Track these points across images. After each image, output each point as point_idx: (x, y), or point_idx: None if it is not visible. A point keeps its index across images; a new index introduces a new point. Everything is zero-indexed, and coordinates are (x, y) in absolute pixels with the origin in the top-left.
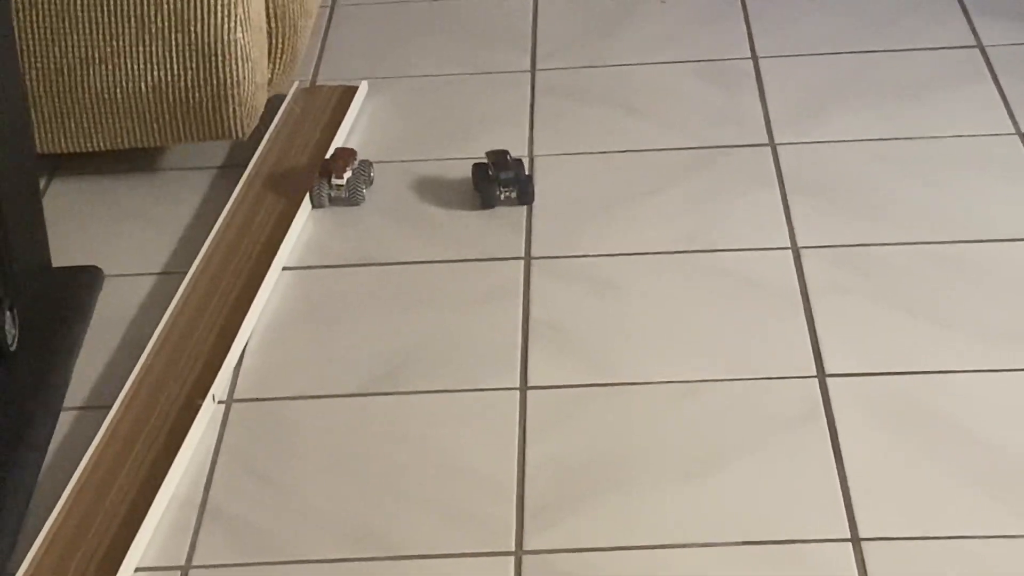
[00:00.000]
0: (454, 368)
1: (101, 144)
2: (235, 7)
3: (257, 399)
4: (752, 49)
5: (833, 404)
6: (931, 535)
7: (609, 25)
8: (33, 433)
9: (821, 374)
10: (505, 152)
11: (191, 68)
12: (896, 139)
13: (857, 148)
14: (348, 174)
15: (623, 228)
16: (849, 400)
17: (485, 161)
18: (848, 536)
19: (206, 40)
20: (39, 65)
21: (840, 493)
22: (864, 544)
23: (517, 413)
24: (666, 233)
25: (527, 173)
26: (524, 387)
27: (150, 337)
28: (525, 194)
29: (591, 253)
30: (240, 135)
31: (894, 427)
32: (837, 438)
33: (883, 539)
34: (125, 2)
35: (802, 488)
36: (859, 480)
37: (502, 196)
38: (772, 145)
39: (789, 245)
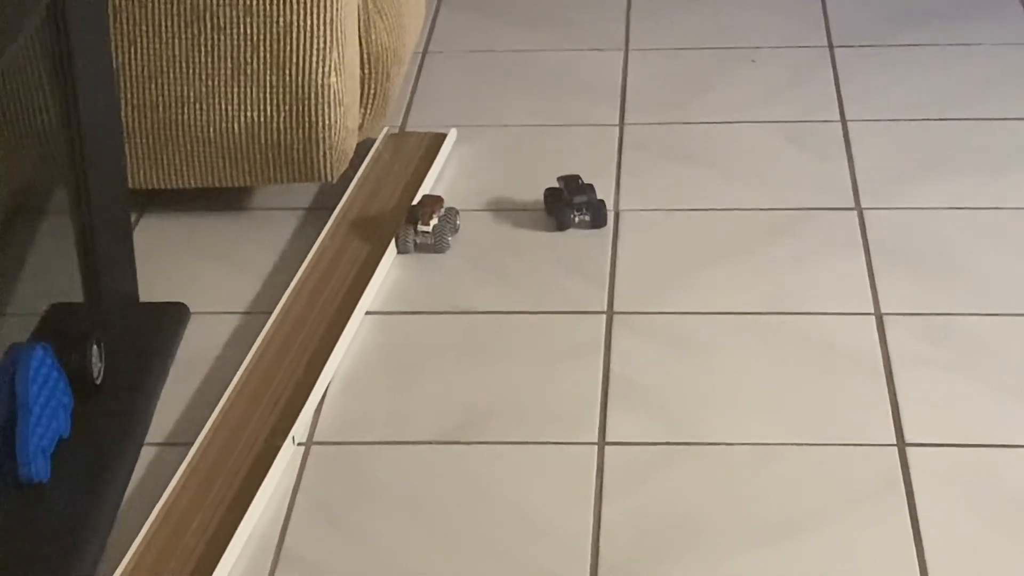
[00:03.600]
0: (532, 420)
1: (192, 182)
2: (330, 52)
3: (336, 443)
4: (841, 112)
5: (912, 475)
6: None
7: (699, 82)
8: (115, 467)
9: (901, 443)
10: (577, 177)
11: (284, 110)
12: (986, 208)
13: (945, 216)
14: (434, 221)
15: (706, 287)
16: (929, 471)
17: (558, 186)
18: None
19: (300, 83)
20: (136, 101)
21: (917, 568)
22: None
23: (594, 469)
24: (749, 294)
25: (600, 198)
26: (602, 443)
27: (233, 376)
28: (598, 217)
29: (674, 311)
30: (329, 178)
31: (975, 502)
32: (915, 510)
33: None
34: (222, 44)
35: (878, 561)
36: (937, 556)
37: (576, 219)
38: (859, 210)
39: (873, 311)
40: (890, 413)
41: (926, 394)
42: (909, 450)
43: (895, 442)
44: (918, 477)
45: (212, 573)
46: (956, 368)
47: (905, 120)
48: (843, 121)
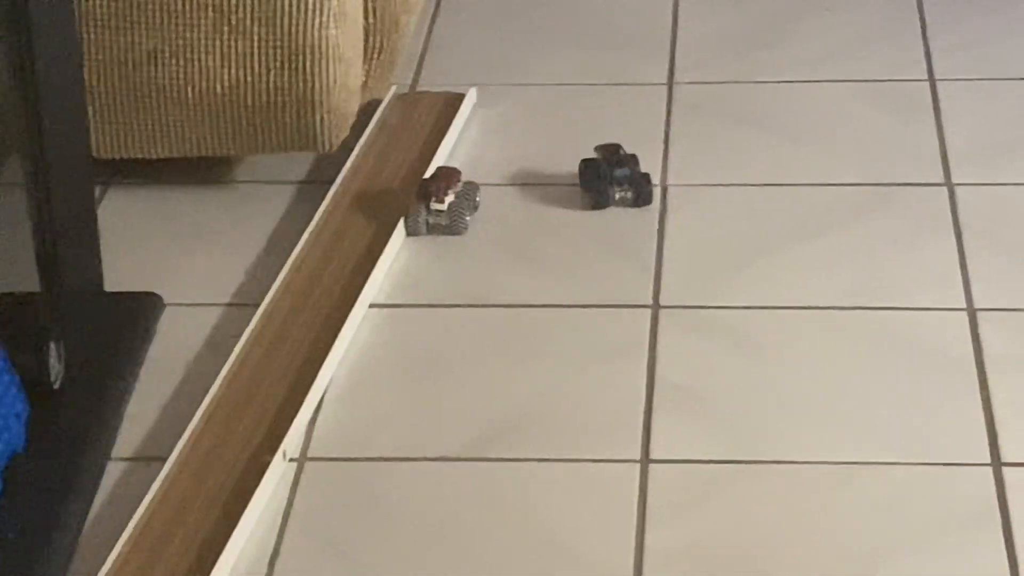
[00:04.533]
0: (565, 433)
1: (166, 151)
2: None
3: (334, 458)
4: (930, 70)
5: (1009, 499)
6: None
7: (762, 34)
8: (76, 486)
9: (996, 463)
10: (617, 146)
11: (274, 67)
12: None
13: None
14: (450, 198)
15: (768, 276)
16: None
17: (595, 157)
18: None
19: (293, 36)
20: (100, 57)
21: None
22: None
23: (636, 491)
24: (819, 285)
25: (644, 171)
26: (645, 460)
27: (214, 379)
28: (642, 193)
29: (730, 304)
30: (327, 147)
31: None
32: (1012, 540)
33: None
34: None
35: None
36: None
37: (616, 196)
38: (949, 185)
39: (964, 306)
40: (984, 426)
41: None
42: (1005, 470)
43: (989, 461)
44: (1016, 502)
45: None
46: None
47: (1005, 79)
48: (931, 80)
